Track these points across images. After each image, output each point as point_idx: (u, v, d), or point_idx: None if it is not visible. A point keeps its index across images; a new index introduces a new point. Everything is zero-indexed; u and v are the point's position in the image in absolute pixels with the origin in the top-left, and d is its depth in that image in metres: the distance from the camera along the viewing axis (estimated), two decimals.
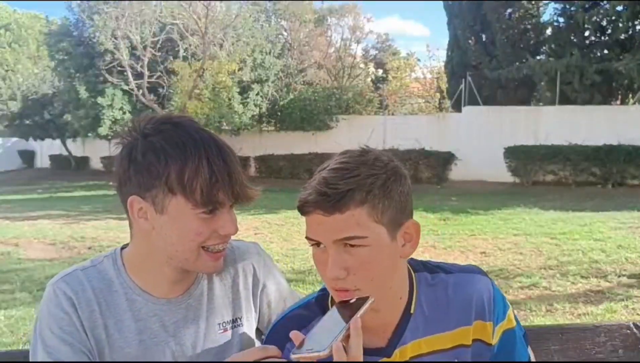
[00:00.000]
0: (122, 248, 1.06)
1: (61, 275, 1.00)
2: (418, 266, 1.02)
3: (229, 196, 0.95)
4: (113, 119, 17.67)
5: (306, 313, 1.00)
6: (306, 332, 0.90)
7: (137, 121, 0.99)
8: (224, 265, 1.08)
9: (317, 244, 0.90)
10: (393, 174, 0.90)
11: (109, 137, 19.07)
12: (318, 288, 1.06)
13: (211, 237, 0.96)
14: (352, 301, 0.87)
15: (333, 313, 0.86)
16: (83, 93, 17.41)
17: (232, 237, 1.03)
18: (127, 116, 17.93)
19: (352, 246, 0.87)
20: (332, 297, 0.99)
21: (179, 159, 0.92)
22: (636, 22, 14.29)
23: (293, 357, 0.77)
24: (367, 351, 0.92)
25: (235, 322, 1.09)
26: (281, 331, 0.98)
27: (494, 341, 0.99)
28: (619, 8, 14.17)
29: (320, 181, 0.87)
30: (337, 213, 0.85)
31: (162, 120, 0.98)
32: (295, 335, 0.80)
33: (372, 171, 0.87)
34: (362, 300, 0.86)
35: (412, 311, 0.97)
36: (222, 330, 1.07)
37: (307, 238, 0.91)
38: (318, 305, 1.00)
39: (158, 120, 0.98)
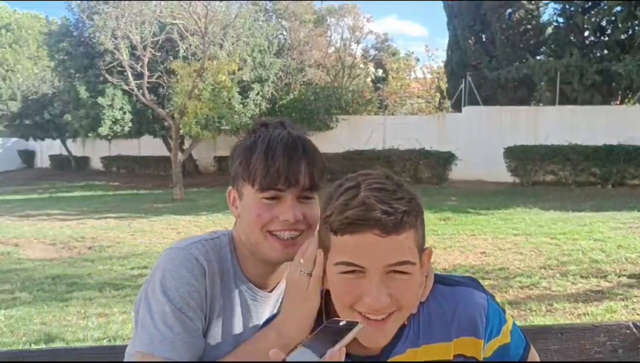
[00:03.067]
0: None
1: (183, 244, 1.06)
2: None
3: (285, 184, 1.03)
4: (113, 119, 17.66)
5: None
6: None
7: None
8: None
9: (353, 271, 0.84)
10: (420, 201, 0.90)
11: (109, 137, 19.06)
12: None
13: (272, 222, 1.04)
14: (341, 323, 0.83)
15: (319, 335, 0.83)
16: (83, 93, 17.40)
17: None
18: (128, 116, 17.93)
19: (397, 272, 0.84)
20: (326, 308, 0.96)
21: (252, 152, 1.05)
22: (635, 23, 14.28)
23: None
24: (359, 359, 0.92)
25: None
26: None
27: (486, 356, 0.97)
28: (618, 9, 14.17)
29: (373, 198, 0.82)
30: (394, 234, 0.82)
31: (260, 122, 1.12)
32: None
33: (410, 197, 0.87)
34: (350, 324, 0.82)
35: (406, 322, 0.95)
36: None
37: (343, 263, 0.84)
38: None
39: (257, 123, 1.13)
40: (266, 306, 1.12)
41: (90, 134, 18.96)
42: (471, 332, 0.95)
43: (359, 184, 0.86)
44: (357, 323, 0.82)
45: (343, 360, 0.76)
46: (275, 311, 1.12)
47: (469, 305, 0.97)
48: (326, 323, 0.86)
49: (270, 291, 1.13)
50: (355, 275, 0.84)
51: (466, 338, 0.95)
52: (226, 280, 1.07)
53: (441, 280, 1.02)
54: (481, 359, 0.96)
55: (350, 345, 0.81)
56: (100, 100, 17.14)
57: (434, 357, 0.95)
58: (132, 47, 15.86)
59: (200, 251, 1.04)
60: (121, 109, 17.72)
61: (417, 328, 0.96)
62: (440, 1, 18.59)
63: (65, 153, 27.30)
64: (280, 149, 1.04)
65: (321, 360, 0.74)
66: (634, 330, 1.36)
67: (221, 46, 15.96)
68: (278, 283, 1.14)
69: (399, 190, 0.86)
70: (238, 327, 1.08)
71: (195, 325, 0.99)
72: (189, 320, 0.98)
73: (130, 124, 18.08)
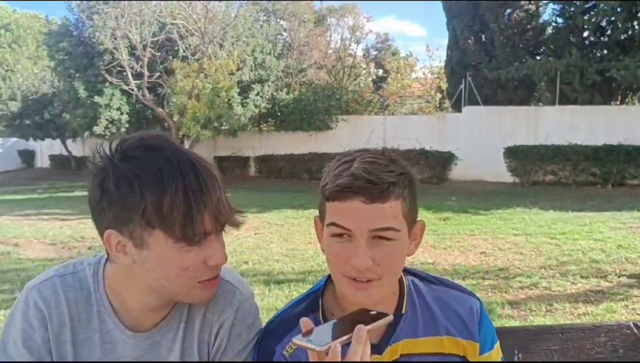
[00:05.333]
0: (108, 258, 0.97)
1: (38, 281, 0.96)
2: (405, 270, 1.06)
3: (212, 224, 0.87)
4: (110, 119, 17.66)
5: (295, 315, 1.00)
6: (294, 334, 0.92)
7: (108, 144, 0.90)
8: (217, 306, 1.00)
9: (341, 234, 0.90)
10: (413, 178, 0.96)
11: (107, 137, 19.10)
12: None
13: (199, 269, 0.89)
14: (372, 312, 0.86)
15: (348, 317, 0.85)
16: (82, 93, 17.41)
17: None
18: (125, 117, 17.92)
19: (383, 238, 0.89)
20: (322, 302, 1.00)
21: (155, 189, 0.83)
22: (635, 23, 14.29)
23: (294, 339, 0.79)
24: None
25: None
26: (272, 334, 1.00)
27: None
28: (618, 9, 14.16)
29: (362, 169, 0.88)
30: (379, 202, 0.88)
31: (135, 144, 0.88)
32: (305, 322, 0.80)
33: (402, 170, 0.93)
34: (381, 315, 0.84)
35: (403, 311, 1.00)
36: None
37: (333, 224, 0.90)
38: (307, 307, 1.02)
39: (131, 143, 0.88)
40: (136, 348, 0.96)
41: (86, 134, 18.98)
42: (467, 335, 1.00)
43: (354, 158, 0.92)
44: (387, 314, 0.84)
45: (368, 346, 0.78)
46: (167, 353, 0.98)
47: (464, 307, 1.02)
48: (357, 310, 0.88)
49: (147, 331, 0.97)
50: (344, 239, 0.90)
51: (461, 339, 0.99)
52: (83, 316, 0.95)
53: (431, 280, 1.07)
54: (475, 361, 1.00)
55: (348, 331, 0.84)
56: (98, 100, 17.13)
57: (434, 350, 0.99)
58: (132, 47, 15.87)
59: (43, 292, 0.93)
60: (118, 109, 17.70)
61: (415, 320, 1.00)
62: (440, 1, 18.60)
63: (65, 153, 27.27)
64: (198, 183, 0.85)
65: (347, 335, 0.76)
66: (635, 330, 1.36)
67: (221, 46, 15.97)
68: (158, 324, 0.98)
69: (392, 164, 0.92)
70: (102, 352, 0.95)
71: None
72: None
73: (127, 125, 18.06)
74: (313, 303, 1.02)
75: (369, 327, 0.79)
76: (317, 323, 0.96)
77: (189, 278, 0.89)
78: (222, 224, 0.90)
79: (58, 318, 0.93)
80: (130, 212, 0.84)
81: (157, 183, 0.83)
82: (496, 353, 1.03)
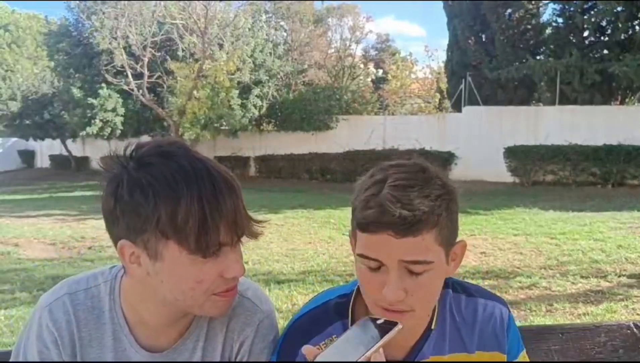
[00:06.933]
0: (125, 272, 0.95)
1: (51, 299, 0.94)
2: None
3: (229, 235, 0.84)
4: (105, 120, 17.66)
5: (323, 317, 0.97)
6: (320, 339, 0.90)
7: (122, 151, 0.86)
8: (237, 324, 0.98)
9: (373, 266, 0.85)
10: (453, 194, 0.88)
11: (105, 137, 19.12)
12: (318, 289, 1.07)
13: (216, 282, 0.86)
14: (379, 322, 0.81)
15: (356, 333, 0.80)
16: (77, 93, 17.42)
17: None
18: (119, 118, 17.92)
19: (415, 270, 0.84)
20: (352, 308, 0.96)
21: (169, 198, 0.80)
22: (635, 23, 14.29)
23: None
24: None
25: None
26: (297, 333, 0.97)
27: None
28: (618, 9, 14.17)
29: (392, 199, 0.80)
30: (410, 236, 0.81)
31: (150, 150, 0.85)
32: (308, 350, 0.75)
33: (439, 192, 0.84)
34: (389, 324, 0.80)
35: (432, 327, 0.95)
36: None
37: (363, 256, 0.85)
38: (336, 311, 0.97)
39: (146, 150, 0.85)
40: None
41: (82, 134, 19.01)
42: (495, 346, 0.96)
43: (386, 178, 0.84)
44: (396, 323, 0.80)
45: (384, 360, 0.76)
46: None
47: (493, 319, 0.98)
48: (365, 318, 0.84)
49: (164, 350, 0.95)
50: (378, 268, 0.85)
51: (490, 352, 0.96)
52: (95, 335, 0.93)
53: (465, 290, 1.02)
54: None
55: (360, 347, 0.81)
56: (94, 100, 17.14)
57: None
58: (132, 48, 15.88)
59: (54, 313, 0.91)
60: (113, 110, 17.69)
61: (443, 336, 0.96)
62: (440, 1, 18.62)
63: (65, 153, 27.29)
64: (214, 193, 0.81)
65: (358, 360, 0.72)
66: (635, 330, 1.36)
67: (220, 46, 15.97)
68: (175, 343, 0.96)
69: (427, 185, 0.83)
70: None
71: None
72: None
73: (121, 127, 18.04)
74: (343, 308, 0.97)
75: (381, 342, 0.75)
76: (344, 328, 0.94)
77: (203, 292, 0.86)
78: (239, 236, 0.87)
79: (69, 340, 0.92)
80: (144, 222, 0.81)
81: (171, 192, 0.80)
82: (522, 360, 0.99)
